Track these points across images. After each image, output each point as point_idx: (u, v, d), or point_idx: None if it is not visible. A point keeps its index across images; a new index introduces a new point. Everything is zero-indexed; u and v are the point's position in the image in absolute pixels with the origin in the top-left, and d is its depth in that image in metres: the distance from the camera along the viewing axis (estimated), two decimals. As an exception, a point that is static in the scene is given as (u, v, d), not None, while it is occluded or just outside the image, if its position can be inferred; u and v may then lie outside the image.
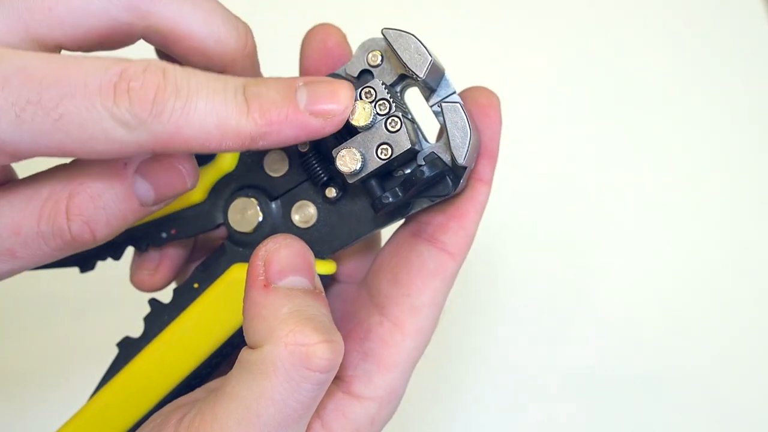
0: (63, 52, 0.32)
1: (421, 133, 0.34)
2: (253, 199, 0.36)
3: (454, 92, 0.34)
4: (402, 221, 0.36)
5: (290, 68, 0.39)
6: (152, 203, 0.31)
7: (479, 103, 0.35)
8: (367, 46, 0.35)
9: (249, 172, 0.37)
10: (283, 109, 0.29)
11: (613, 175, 0.67)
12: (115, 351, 0.38)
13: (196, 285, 0.37)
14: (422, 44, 0.32)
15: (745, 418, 0.60)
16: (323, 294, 0.32)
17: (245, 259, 0.36)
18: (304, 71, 0.37)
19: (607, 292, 0.63)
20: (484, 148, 0.35)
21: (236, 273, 0.36)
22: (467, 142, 0.32)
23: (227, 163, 0.37)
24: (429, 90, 0.33)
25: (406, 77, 0.34)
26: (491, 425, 0.59)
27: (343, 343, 0.30)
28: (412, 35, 0.32)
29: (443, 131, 0.33)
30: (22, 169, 0.31)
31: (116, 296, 0.50)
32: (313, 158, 0.35)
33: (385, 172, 0.33)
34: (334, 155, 0.32)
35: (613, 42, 0.71)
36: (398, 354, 0.34)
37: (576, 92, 0.69)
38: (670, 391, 0.60)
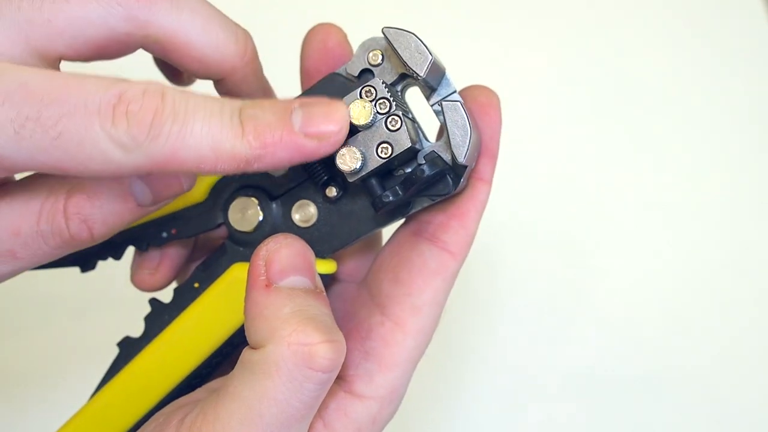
0: (63, 62, 0.32)
1: (422, 132, 0.34)
2: (253, 199, 0.36)
3: (455, 91, 0.34)
4: (402, 220, 0.36)
5: (291, 68, 0.39)
6: (149, 203, 0.31)
7: (479, 102, 0.35)
8: (367, 46, 0.35)
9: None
10: (278, 132, 0.29)
11: (613, 175, 0.67)
12: (115, 351, 0.38)
13: (196, 284, 0.37)
14: (423, 43, 0.32)
15: (745, 418, 0.60)
16: (324, 293, 0.32)
17: (246, 258, 0.36)
18: (304, 71, 0.37)
19: (607, 292, 0.63)
20: (484, 147, 0.35)
21: (237, 272, 0.36)
22: (467, 141, 0.32)
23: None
24: (429, 89, 0.33)
25: (406, 76, 0.34)
26: (491, 425, 0.59)
27: (345, 343, 0.30)
28: (413, 34, 0.32)
29: (443, 130, 0.33)
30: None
31: (116, 296, 0.50)
32: (313, 157, 0.35)
33: (386, 171, 0.33)
34: (335, 154, 0.32)
35: (613, 42, 0.71)
36: (399, 353, 0.35)
37: (576, 92, 0.69)
38: (670, 391, 0.60)
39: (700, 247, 0.65)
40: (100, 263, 0.40)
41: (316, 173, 0.35)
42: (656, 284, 0.64)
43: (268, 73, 0.38)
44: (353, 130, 0.32)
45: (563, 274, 0.63)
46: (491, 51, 0.70)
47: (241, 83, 0.35)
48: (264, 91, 0.37)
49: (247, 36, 0.35)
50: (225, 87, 0.36)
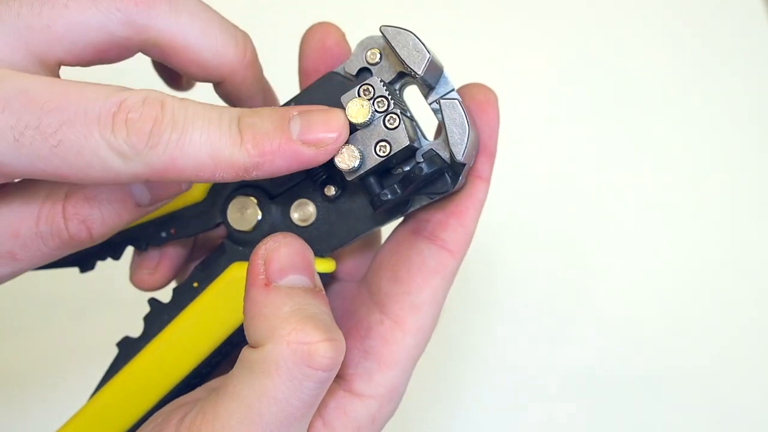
0: (62, 67, 0.32)
1: (420, 130, 0.34)
2: (252, 198, 0.36)
3: (453, 89, 0.34)
4: (401, 219, 0.36)
5: (290, 68, 0.39)
6: (148, 204, 0.32)
7: (477, 100, 0.35)
8: (365, 44, 0.35)
9: None
10: (276, 140, 0.29)
11: (613, 175, 0.67)
12: (114, 351, 0.38)
13: (195, 284, 0.37)
14: (420, 41, 0.32)
15: (745, 418, 0.60)
16: (323, 292, 0.32)
17: (245, 257, 0.36)
18: (303, 70, 0.37)
19: (607, 292, 0.63)
20: (482, 145, 0.35)
21: (236, 272, 0.36)
22: (466, 139, 0.32)
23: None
24: (428, 87, 0.33)
25: (404, 75, 0.34)
26: (491, 425, 0.59)
27: (344, 342, 0.30)
28: (411, 32, 0.32)
29: (442, 128, 0.33)
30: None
31: (116, 296, 0.50)
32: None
33: (384, 170, 0.33)
34: None
35: (613, 42, 0.71)
36: (399, 352, 0.34)
37: (576, 92, 0.69)
38: (670, 391, 0.60)
39: (700, 247, 0.65)
40: (100, 263, 0.40)
41: (314, 172, 0.35)
42: (656, 284, 0.64)
43: (267, 73, 0.38)
44: (351, 128, 0.32)
45: (563, 274, 0.63)
46: (491, 51, 0.70)
47: (240, 86, 0.35)
48: (264, 93, 0.38)
49: (246, 38, 0.35)
50: (225, 90, 0.36)
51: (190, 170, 0.28)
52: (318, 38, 0.36)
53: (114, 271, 0.42)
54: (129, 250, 0.40)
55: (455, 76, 0.34)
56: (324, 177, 0.35)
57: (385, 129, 0.32)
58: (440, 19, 0.71)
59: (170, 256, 0.40)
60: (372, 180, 0.33)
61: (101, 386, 0.37)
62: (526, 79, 0.69)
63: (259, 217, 0.36)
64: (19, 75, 0.28)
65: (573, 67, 0.70)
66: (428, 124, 0.35)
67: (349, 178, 0.32)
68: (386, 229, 0.37)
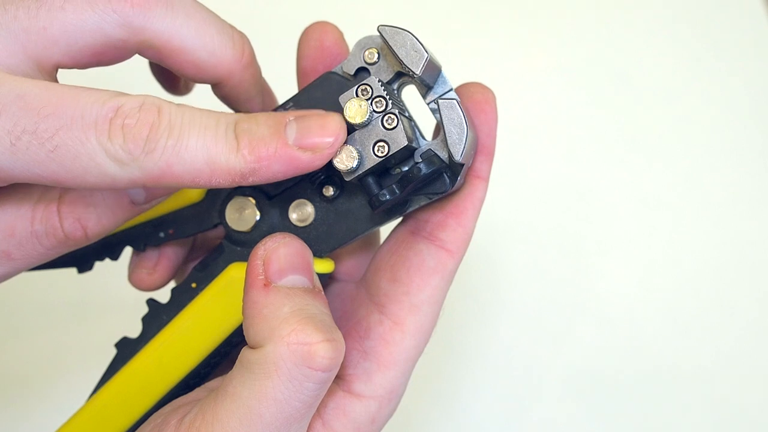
0: (60, 70, 0.32)
1: (418, 130, 0.34)
2: (250, 198, 0.36)
3: (451, 89, 0.33)
4: (400, 219, 0.36)
5: (288, 68, 0.39)
6: (143, 202, 0.32)
7: (475, 99, 0.35)
8: (363, 44, 0.35)
9: None
10: (272, 145, 0.29)
11: (612, 174, 0.67)
12: (113, 351, 0.37)
13: (194, 285, 0.37)
14: (419, 41, 0.32)
15: (745, 418, 0.60)
16: (323, 293, 0.32)
17: (243, 258, 0.36)
18: (301, 70, 0.37)
19: (607, 292, 0.63)
20: (480, 145, 0.35)
21: (234, 272, 0.36)
22: (464, 139, 0.32)
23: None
24: (426, 87, 0.33)
25: (402, 74, 0.34)
26: (491, 425, 0.59)
27: (344, 342, 0.30)
28: (409, 32, 0.32)
29: (440, 128, 0.33)
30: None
31: (114, 297, 0.50)
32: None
33: (383, 170, 0.33)
34: None
35: (613, 42, 0.71)
36: (398, 352, 0.34)
37: (575, 92, 0.69)
38: (670, 391, 0.60)
39: (700, 247, 0.65)
40: (98, 264, 0.40)
41: (312, 173, 0.35)
42: (656, 284, 0.64)
43: (266, 73, 0.38)
44: (350, 128, 0.32)
45: (563, 274, 0.63)
46: (491, 51, 0.70)
47: (238, 87, 0.35)
48: (263, 93, 0.37)
49: (243, 39, 0.35)
50: (223, 91, 0.36)
51: (187, 176, 0.28)
52: (316, 38, 0.36)
53: (112, 271, 0.42)
54: (127, 251, 0.40)
55: (454, 76, 0.34)
56: (322, 177, 0.35)
57: (384, 129, 0.32)
58: (440, 19, 0.71)
59: (169, 256, 0.40)
60: (370, 180, 0.33)
61: (99, 387, 0.37)
62: (525, 78, 0.69)
63: (258, 218, 0.36)
64: (17, 79, 0.28)
65: (572, 67, 0.70)
66: (426, 124, 0.35)
67: (347, 179, 0.32)
68: (385, 230, 0.37)
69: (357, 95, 0.32)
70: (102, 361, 0.38)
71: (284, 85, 0.40)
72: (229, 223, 0.37)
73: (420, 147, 0.34)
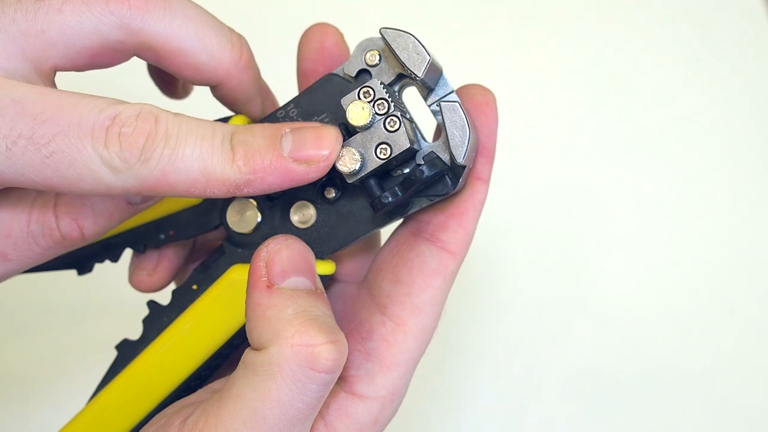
0: (58, 73, 0.32)
1: (420, 132, 0.34)
2: (251, 200, 0.36)
3: (453, 91, 0.33)
4: (401, 220, 0.36)
5: (288, 69, 0.39)
6: (140, 201, 0.32)
7: (475, 101, 0.35)
8: (364, 46, 0.35)
9: None
10: (267, 157, 0.29)
11: (612, 175, 0.67)
12: (113, 353, 0.37)
13: (195, 286, 0.37)
14: (420, 43, 0.32)
15: (745, 418, 0.60)
16: (325, 294, 0.32)
17: (244, 260, 0.36)
18: (301, 72, 0.37)
19: (607, 292, 0.63)
20: (481, 146, 0.35)
21: (235, 274, 0.36)
22: (466, 142, 0.32)
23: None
24: (427, 89, 0.33)
25: (404, 77, 0.34)
26: (491, 425, 0.59)
27: (347, 344, 0.30)
28: (411, 34, 0.32)
29: (442, 130, 0.33)
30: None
31: (114, 299, 0.50)
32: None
33: (384, 172, 0.33)
34: None
35: (613, 42, 0.71)
36: (401, 353, 0.34)
37: (576, 92, 0.69)
38: (670, 391, 0.60)
39: (700, 247, 0.65)
40: (99, 266, 0.40)
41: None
42: (656, 284, 0.64)
43: (265, 75, 0.38)
44: (352, 131, 0.32)
45: (563, 274, 0.63)
46: (491, 51, 0.70)
47: (237, 89, 0.35)
48: (262, 95, 0.37)
49: (242, 41, 0.35)
50: (222, 93, 0.36)
51: (182, 186, 0.28)
52: (317, 39, 0.36)
53: (113, 273, 0.42)
54: (127, 253, 0.40)
55: (455, 76, 0.34)
56: (324, 179, 0.35)
57: (386, 131, 0.32)
58: (440, 19, 0.71)
59: (169, 257, 0.40)
60: (372, 182, 0.33)
61: (100, 389, 0.37)
62: (525, 78, 0.69)
63: (259, 220, 0.36)
64: (14, 84, 0.28)
65: (572, 67, 0.70)
66: (425, 125, 0.35)
67: (349, 181, 0.32)
68: (386, 231, 0.37)
69: (359, 98, 0.32)
70: (102, 362, 0.38)
71: (284, 87, 0.40)
72: (231, 225, 0.37)
73: (422, 149, 0.34)
